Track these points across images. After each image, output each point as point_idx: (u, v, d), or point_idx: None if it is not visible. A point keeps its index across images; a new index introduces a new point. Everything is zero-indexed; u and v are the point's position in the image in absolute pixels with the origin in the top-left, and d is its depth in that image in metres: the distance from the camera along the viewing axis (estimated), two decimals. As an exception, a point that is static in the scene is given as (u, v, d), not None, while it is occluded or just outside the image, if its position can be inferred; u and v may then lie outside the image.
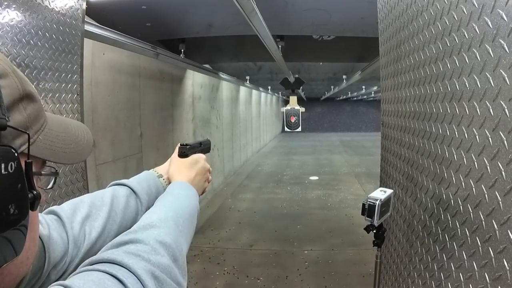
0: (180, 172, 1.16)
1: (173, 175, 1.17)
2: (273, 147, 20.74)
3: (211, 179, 1.28)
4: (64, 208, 0.95)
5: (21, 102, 0.59)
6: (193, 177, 1.16)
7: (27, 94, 0.61)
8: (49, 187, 0.71)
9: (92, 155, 3.88)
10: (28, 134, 0.59)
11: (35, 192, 0.58)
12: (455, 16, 1.36)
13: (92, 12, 3.48)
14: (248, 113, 15.54)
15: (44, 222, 0.85)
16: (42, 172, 0.67)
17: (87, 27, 2.85)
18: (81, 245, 0.90)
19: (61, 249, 0.85)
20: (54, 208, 0.94)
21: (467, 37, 1.28)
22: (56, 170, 0.71)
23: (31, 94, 0.62)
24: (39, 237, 0.78)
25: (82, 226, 0.93)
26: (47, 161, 0.68)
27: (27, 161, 0.58)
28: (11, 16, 1.82)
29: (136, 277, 0.64)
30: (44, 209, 0.95)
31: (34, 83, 1.98)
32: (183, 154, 1.22)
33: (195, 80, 7.80)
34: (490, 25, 1.13)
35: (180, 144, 1.24)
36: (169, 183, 1.16)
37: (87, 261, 0.68)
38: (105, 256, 0.68)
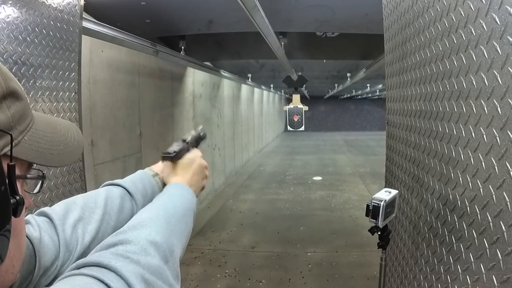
0: (176, 174, 1.14)
1: (168, 178, 1.15)
2: (276, 147, 20.74)
3: (208, 175, 1.24)
4: (56, 209, 0.92)
5: (5, 101, 0.56)
6: (189, 178, 1.13)
7: (12, 91, 0.58)
8: (35, 191, 0.69)
9: (90, 154, 3.89)
10: (11, 135, 0.56)
11: (18, 198, 0.56)
12: (462, 13, 1.36)
13: (90, 8, 3.48)
14: (250, 112, 15.54)
15: (35, 224, 0.83)
16: (28, 176, 0.64)
17: (85, 24, 2.86)
18: (73, 249, 0.87)
19: (52, 253, 0.82)
20: (45, 209, 0.91)
21: (474, 34, 1.28)
22: (44, 174, 0.68)
23: (16, 92, 0.59)
24: (29, 239, 0.76)
25: (75, 229, 0.90)
26: (34, 164, 0.65)
27: (10, 164, 0.55)
28: (7, 12, 1.82)
29: (124, 280, 0.62)
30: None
31: (31, 81, 1.99)
32: (172, 160, 1.15)
33: (195, 78, 7.81)
34: (498, 22, 1.13)
35: (162, 153, 1.15)
36: (165, 182, 1.15)
37: (74, 265, 0.67)
38: (92, 259, 0.66)
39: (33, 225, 0.82)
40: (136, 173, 1.17)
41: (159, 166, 1.21)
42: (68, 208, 0.93)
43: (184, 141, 1.22)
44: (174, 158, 1.14)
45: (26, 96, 0.64)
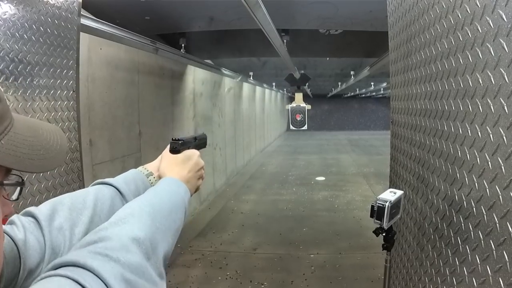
0: (171, 169, 1.12)
1: (163, 172, 1.13)
2: (278, 146, 20.74)
3: (204, 176, 1.24)
4: (42, 209, 0.89)
5: None
6: (185, 174, 1.12)
7: None
8: (13, 198, 0.67)
9: (89, 154, 3.89)
10: None
11: None
12: (468, 9, 1.36)
13: (88, 5, 3.49)
14: (252, 111, 15.54)
15: (19, 225, 0.81)
16: (5, 182, 0.62)
17: (83, 21, 2.86)
18: (59, 252, 0.84)
19: (37, 255, 0.80)
20: (31, 209, 0.88)
21: (480, 31, 1.28)
22: (23, 180, 0.66)
23: None
24: (14, 241, 0.75)
25: (61, 231, 0.87)
26: (12, 169, 0.63)
27: None
28: (4, 9, 1.82)
29: (102, 280, 0.60)
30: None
31: (28, 80, 1.99)
32: (174, 149, 1.18)
33: (196, 76, 7.81)
34: (505, 19, 1.13)
35: (172, 139, 1.19)
36: (161, 177, 1.12)
37: (50, 265, 0.65)
38: (68, 258, 0.64)
39: (17, 226, 0.81)
40: (129, 172, 1.15)
41: (154, 165, 1.21)
42: (55, 208, 0.91)
43: (194, 138, 1.29)
44: (182, 146, 1.19)
45: (5, 98, 0.62)
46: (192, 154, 1.20)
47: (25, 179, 0.67)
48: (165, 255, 0.81)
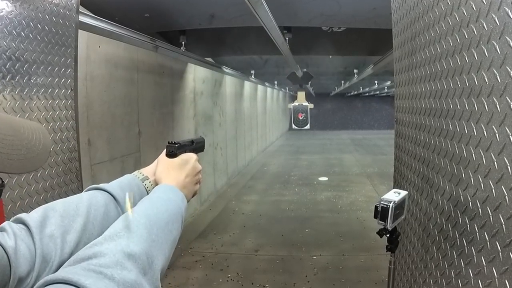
0: (168, 174, 1.11)
1: (160, 177, 1.11)
2: (280, 146, 20.74)
3: (201, 180, 1.22)
4: (33, 216, 0.86)
5: None
6: (182, 180, 1.11)
7: None
8: None
9: (87, 154, 3.90)
10: None
11: None
12: (473, 7, 1.36)
13: (87, 2, 3.49)
14: (253, 110, 15.54)
15: (10, 232, 0.79)
16: None
17: (82, 18, 2.87)
18: (50, 260, 0.82)
19: (28, 263, 0.78)
20: (22, 215, 0.85)
21: (486, 29, 1.28)
22: (3, 181, 0.65)
23: None
24: (4, 249, 0.74)
25: (52, 238, 0.84)
26: None
27: None
28: (1, 6, 1.83)
29: None
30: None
31: (25, 78, 1.99)
32: (171, 153, 1.16)
33: (196, 75, 7.81)
34: (511, 16, 1.13)
35: (168, 142, 1.18)
36: (156, 186, 1.10)
37: (41, 281, 0.63)
38: (61, 275, 0.62)
39: (8, 233, 0.79)
40: (124, 178, 1.13)
41: (150, 169, 1.19)
42: (46, 215, 0.88)
43: (192, 141, 1.27)
44: (178, 149, 1.17)
45: None
46: (189, 158, 1.19)
47: (6, 181, 0.66)
48: (162, 268, 0.80)
